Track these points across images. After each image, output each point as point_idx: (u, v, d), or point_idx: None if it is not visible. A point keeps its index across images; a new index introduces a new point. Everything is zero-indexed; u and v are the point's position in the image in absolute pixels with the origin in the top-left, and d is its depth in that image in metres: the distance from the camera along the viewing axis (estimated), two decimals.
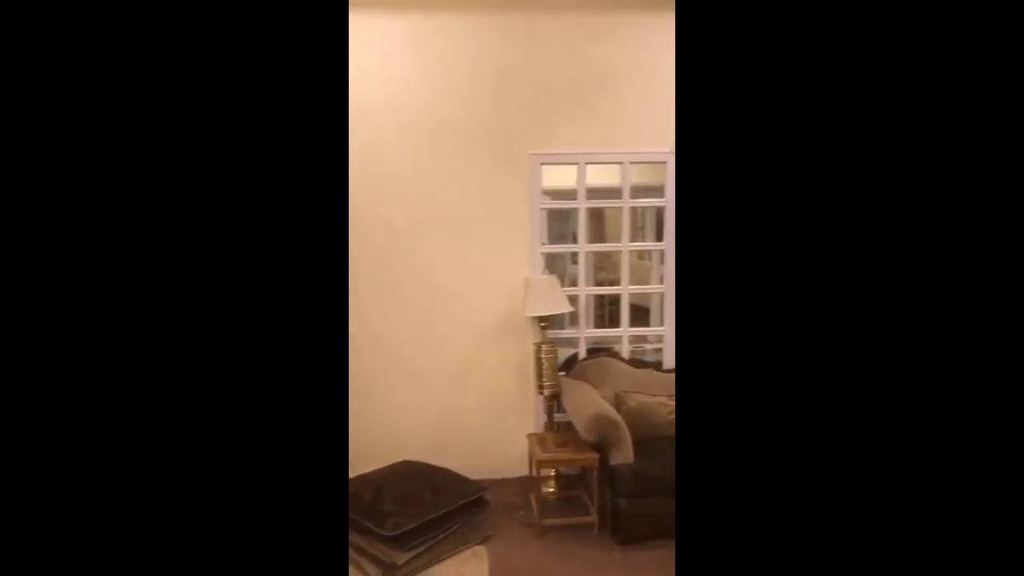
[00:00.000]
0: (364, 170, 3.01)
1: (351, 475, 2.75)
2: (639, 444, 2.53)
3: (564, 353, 3.14)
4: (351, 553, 2.33)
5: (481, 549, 2.44)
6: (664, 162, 3.07)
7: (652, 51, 3.01)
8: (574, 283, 3.25)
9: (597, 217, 3.66)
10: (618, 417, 2.55)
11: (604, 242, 3.51)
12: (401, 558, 2.20)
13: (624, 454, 2.48)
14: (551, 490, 2.90)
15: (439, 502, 2.42)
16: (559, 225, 3.48)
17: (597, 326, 3.49)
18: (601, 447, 2.53)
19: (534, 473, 2.76)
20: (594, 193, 3.10)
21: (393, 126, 3.02)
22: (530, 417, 3.17)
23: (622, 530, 2.45)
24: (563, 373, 3.04)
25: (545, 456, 2.60)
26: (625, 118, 3.06)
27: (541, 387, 2.90)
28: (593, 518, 2.57)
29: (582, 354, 3.18)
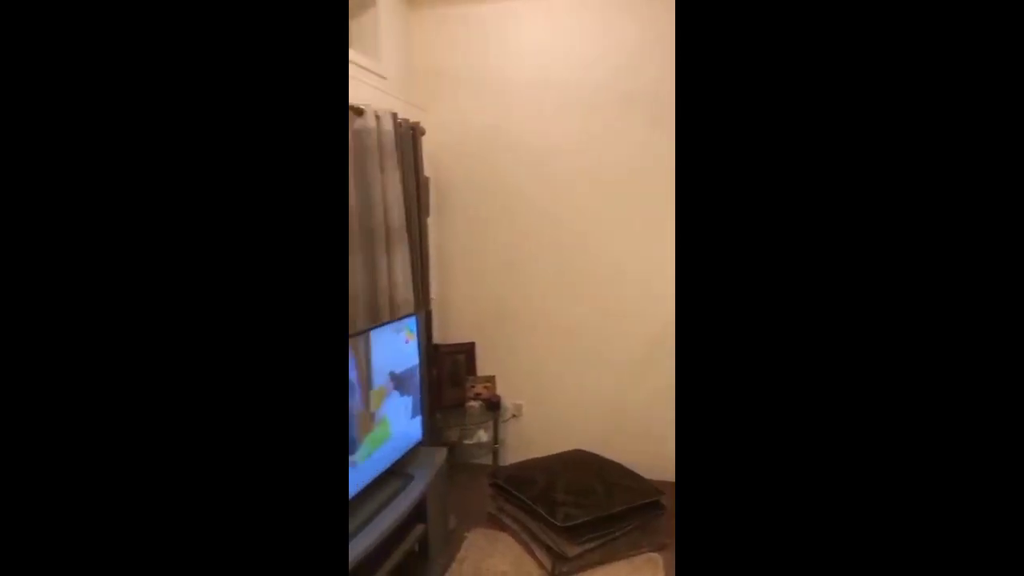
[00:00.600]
0: (534, 147, 2.98)
1: (524, 458, 2.78)
2: None
3: None
4: (523, 536, 2.34)
5: (656, 557, 2.28)
6: None
7: None
8: None
9: None
10: None
11: None
12: (572, 551, 2.15)
13: None
14: None
15: (612, 498, 2.31)
16: None
17: None
18: None
19: None
20: None
21: (574, 107, 2.92)
22: None
23: None
24: None
25: None
26: None
27: None
28: None
29: None
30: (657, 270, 2.91)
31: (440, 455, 2.28)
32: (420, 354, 2.29)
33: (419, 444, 2.23)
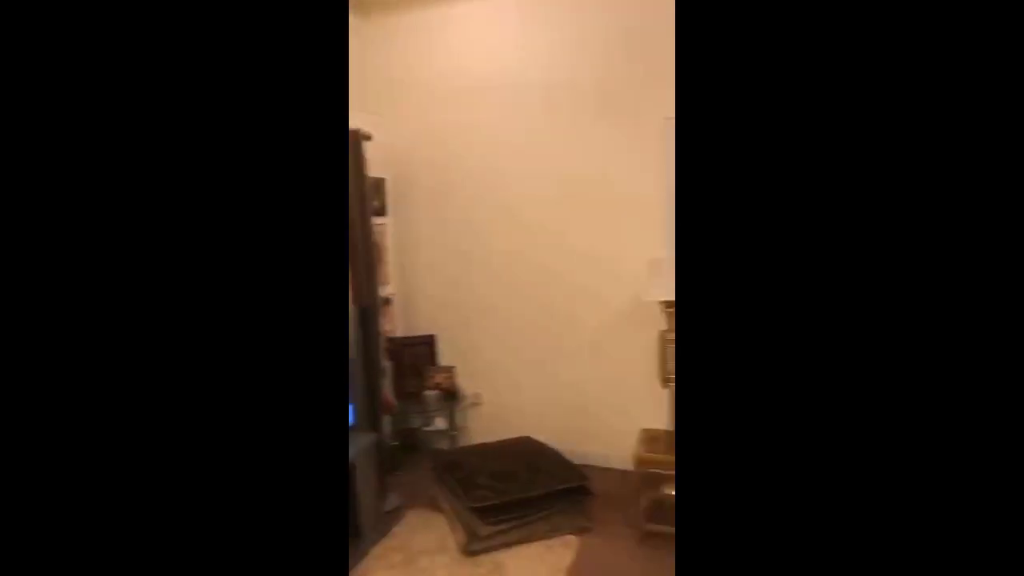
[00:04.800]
0: (488, 145, 3.07)
1: (466, 443, 2.91)
2: None
3: None
4: (450, 515, 2.48)
5: (573, 540, 2.35)
6: None
7: None
8: None
9: None
10: None
11: None
12: (483, 530, 2.27)
13: None
14: (671, 493, 2.62)
15: (534, 483, 2.40)
16: None
17: None
18: None
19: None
20: None
21: (524, 105, 2.99)
22: (662, 410, 2.90)
23: None
24: None
25: (647, 455, 2.35)
26: None
27: (666, 379, 2.62)
28: None
29: None
30: (600, 265, 2.95)
31: (368, 439, 2.45)
32: (358, 346, 2.48)
33: (351, 428, 2.42)
